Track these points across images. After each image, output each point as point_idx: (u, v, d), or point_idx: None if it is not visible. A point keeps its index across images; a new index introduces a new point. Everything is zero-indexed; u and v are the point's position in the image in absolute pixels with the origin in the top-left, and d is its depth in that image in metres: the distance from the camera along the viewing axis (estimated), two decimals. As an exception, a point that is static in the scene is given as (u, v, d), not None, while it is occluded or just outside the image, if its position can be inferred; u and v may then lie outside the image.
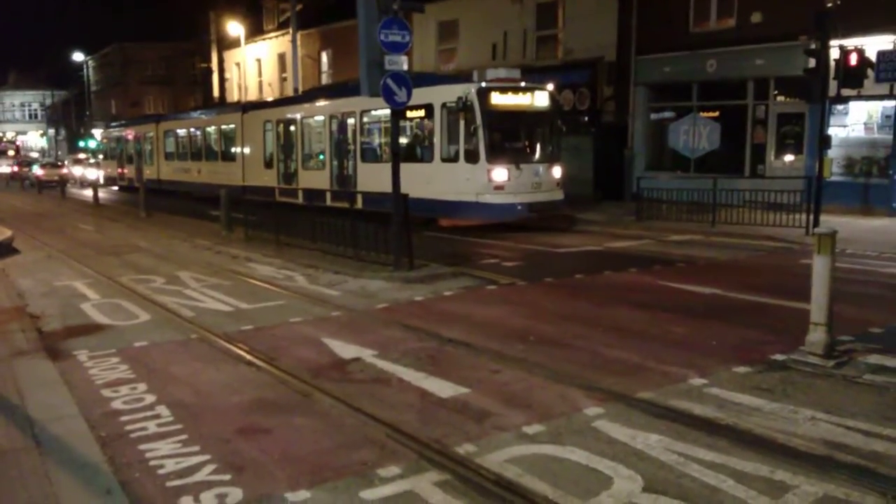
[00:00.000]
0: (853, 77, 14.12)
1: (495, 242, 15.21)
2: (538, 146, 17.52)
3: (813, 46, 14.24)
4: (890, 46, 16.55)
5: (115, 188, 38.95)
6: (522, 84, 17.08)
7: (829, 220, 14.48)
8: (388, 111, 17.51)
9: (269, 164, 24.23)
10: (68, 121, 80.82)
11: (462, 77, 16.94)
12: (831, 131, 16.79)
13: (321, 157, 21.68)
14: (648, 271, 11.55)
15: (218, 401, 5.87)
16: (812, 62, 14.14)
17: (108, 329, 8.35)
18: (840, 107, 18.25)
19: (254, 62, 41.97)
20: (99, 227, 19.91)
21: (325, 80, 35.93)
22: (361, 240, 12.30)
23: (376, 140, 19.86)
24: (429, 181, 16.85)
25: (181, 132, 32.27)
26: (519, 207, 16.25)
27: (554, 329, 8.01)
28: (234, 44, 41.18)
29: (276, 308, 9.31)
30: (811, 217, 14.47)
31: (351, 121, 20.04)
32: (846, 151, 18.70)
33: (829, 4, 14.39)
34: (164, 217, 21.22)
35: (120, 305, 9.59)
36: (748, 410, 5.40)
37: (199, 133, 30.25)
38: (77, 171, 49.23)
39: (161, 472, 4.56)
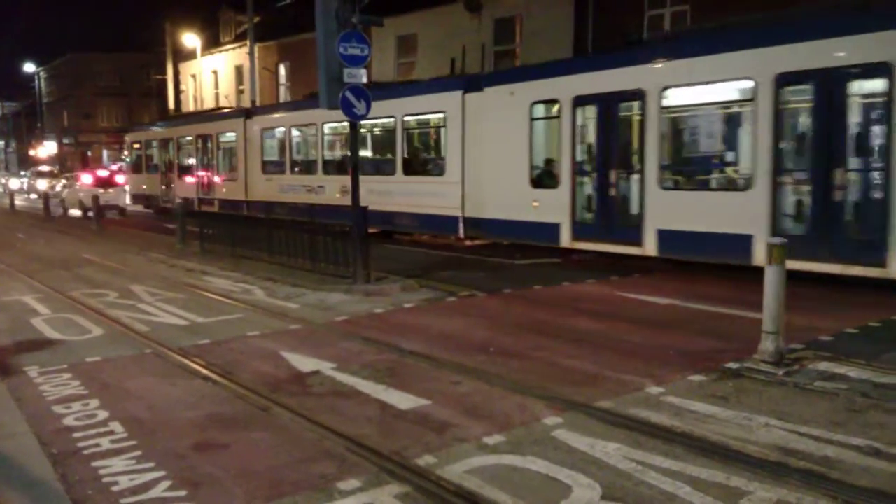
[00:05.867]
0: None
1: (453, 255, 15.24)
2: None
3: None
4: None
5: (150, 211, 30.39)
6: None
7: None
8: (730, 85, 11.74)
9: (541, 181, 14.68)
10: (19, 133, 79.14)
11: None
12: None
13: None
14: (606, 282, 11.69)
15: (173, 416, 5.77)
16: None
17: (60, 344, 8.16)
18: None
19: (210, 74, 41.59)
20: (50, 241, 19.49)
21: (283, 93, 35.71)
22: (320, 252, 12.22)
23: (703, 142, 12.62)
24: None
25: (298, 133, 22.00)
26: None
27: (513, 340, 8.05)
28: (191, 55, 40.79)
29: (233, 322, 9.20)
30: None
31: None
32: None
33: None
34: (118, 230, 20.86)
35: (72, 320, 9.38)
36: (704, 418, 5.48)
37: (344, 131, 18.44)
38: (41, 184, 45.63)
39: (115, 489, 4.46)
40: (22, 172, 67.27)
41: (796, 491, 4.26)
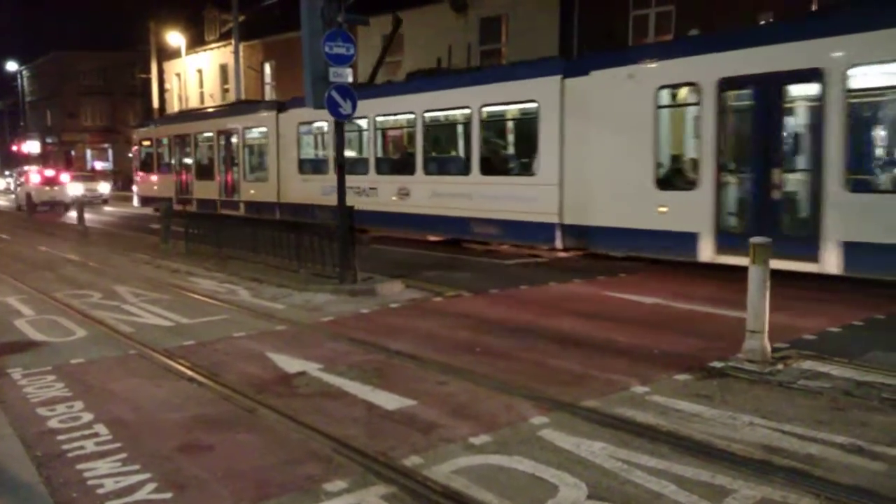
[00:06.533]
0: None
1: (440, 254, 15.23)
2: None
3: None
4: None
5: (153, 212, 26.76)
6: None
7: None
8: None
9: (670, 182, 12.61)
10: (2, 133, 78.45)
11: None
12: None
13: None
14: (592, 282, 11.72)
15: (158, 418, 5.74)
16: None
17: (44, 346, 8.10)
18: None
19: (195, 73, 41.39)
20: (34, 241, 19.33)
21: (268, 92, 35.55)
22: (306, 252, 12.18)
23: None
24: None
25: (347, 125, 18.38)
26: None
27: (499, 340, 8.06)
28: (175, 54, 40.58)
29: (219, 323, 9.16)
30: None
31: None
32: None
33: (762, 22, 14.85)
34: (102, 231, 20.71)
35: (56, 321, 9.31)
36: (689, 417, 5.51)
37: (408, 124, 16.84)
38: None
39: (100, 491, 4.43)
40: (6, 172, 66.58)
41: (780, 489, 4.29)
